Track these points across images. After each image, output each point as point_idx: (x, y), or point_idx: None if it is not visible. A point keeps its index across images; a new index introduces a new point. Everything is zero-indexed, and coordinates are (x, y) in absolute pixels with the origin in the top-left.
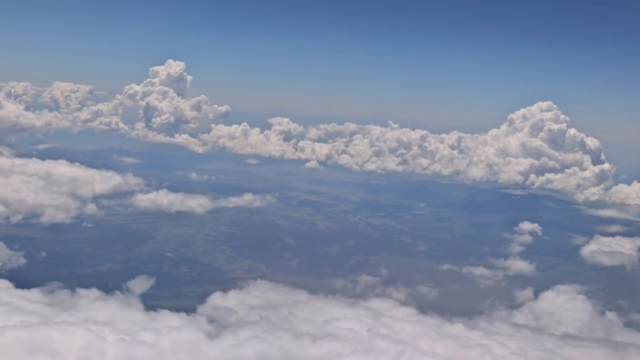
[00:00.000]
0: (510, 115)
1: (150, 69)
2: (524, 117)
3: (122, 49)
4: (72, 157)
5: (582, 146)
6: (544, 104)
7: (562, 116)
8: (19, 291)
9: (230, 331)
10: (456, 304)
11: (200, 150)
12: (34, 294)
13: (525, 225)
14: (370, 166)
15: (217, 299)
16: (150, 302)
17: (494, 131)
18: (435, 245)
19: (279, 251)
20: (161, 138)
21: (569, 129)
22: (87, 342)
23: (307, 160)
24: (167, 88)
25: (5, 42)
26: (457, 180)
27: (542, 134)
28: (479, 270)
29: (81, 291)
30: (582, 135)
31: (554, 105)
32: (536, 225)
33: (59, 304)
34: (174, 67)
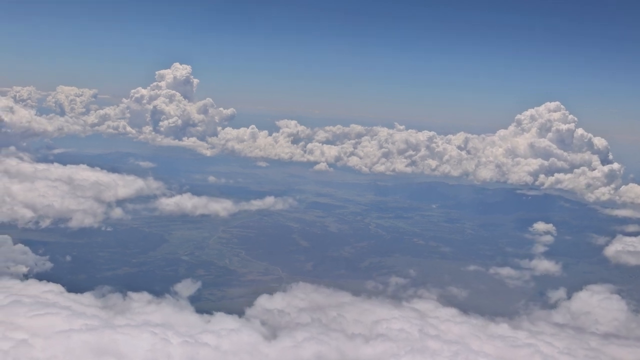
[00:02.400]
0: (518, 116)
1: (157, 72)
2: (532, 118)
3: (124, 53)
4: (88, 162)
5: (590, 146)
6: (552, 104)
7: (570, 116)
8: (72, 295)
9: (285, 333)
10: (490, 304)
11: (208, 153)
12: (86, 297)
13: (540, 226)
14: (380, 168)
15: (264, 301)
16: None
17: (501, 132)
18: (446, 246)
19: (293, 253)
20: (169, 141)
21: (576, 129)
22: (152, 344)
23: (316, 163)
24: (173, 91)
25: (8, 47)
26: (466, 181)
27: (550, 134)
28: (506, 271)
29: (132, 295)
30: (590, 135)
31: (562, 106)
32: (550, 225)
33: (111, 307)
34: (181, 70)
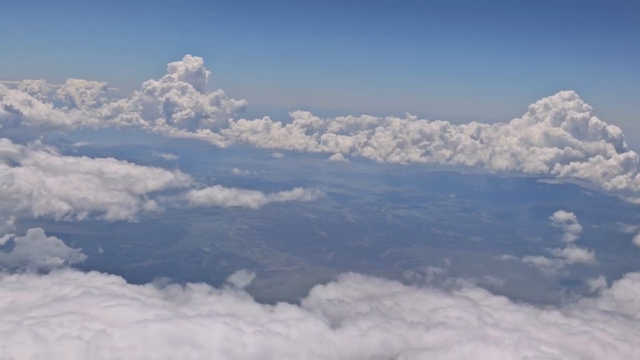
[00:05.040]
0: (532, 105)
1: (168, 64)
2: (546, 107)
3: (131, 45)
4: (110, 155)
5: (605, 134)
6: (566, 93)
7: (585, 105)
8: (134, 286)
9: (348, 322)
10: (530, 292)
11: (222, 145)
12: (148, 288)
13: (561, 215)
14: (394, 158)
15: (319, 291)
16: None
17: (515, 121)
18: (465, 235)
19: (313, 244)
20: (183, 133)
21: (591, 118)
22: (225, 334)
23: (331, 153)
24: (186, 83)
25: (16, 40)
26: (481, 170)
27: (564, 123)
28: (539, 260)
29: (192, 286)
30: (604, 123)
31: (576, 95)
32: (571, 214)
33: (172, 298)
34: (192, 62)
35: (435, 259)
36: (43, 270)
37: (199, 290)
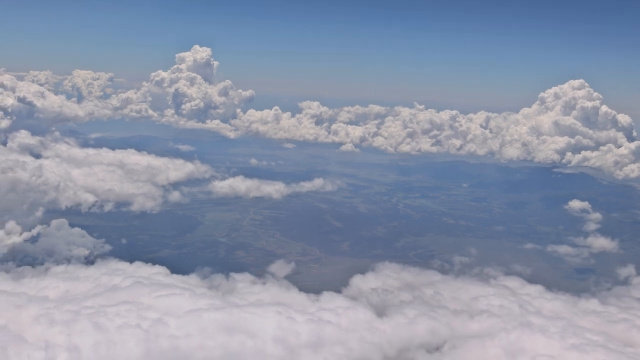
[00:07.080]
0: (542, 94)
1: (177, 55)
2: (556, 96)
3: (137, 36)
4: (126, 146)
5: (615, 123)
6: (576, 82)
7: (595, 94)
8: (179, 276)
9: (393, 310)
10: (559, 281)
11: (232, 135)
12: (192, 278)
13: (576, 204)
14: (405, 148)
15: (359, 281)
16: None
17: (525, 110)
18: (479, 224)
19: (328, 234)
20: (193, 124)
21: (601, 106)
22: (278, 322)
23: (341, 144)
24: (194, 74)
25: (22, 32)
26: (492, 160)
27: (574, 112)
28: (564, 249)
29: (235, 275)
30: (614, 112)
31: (586, 83)
32: (586, 203)
33: (217, 287)
34: (201, 52)
35: (451, 249)
36: (69, 261)
37: (242, 280)
